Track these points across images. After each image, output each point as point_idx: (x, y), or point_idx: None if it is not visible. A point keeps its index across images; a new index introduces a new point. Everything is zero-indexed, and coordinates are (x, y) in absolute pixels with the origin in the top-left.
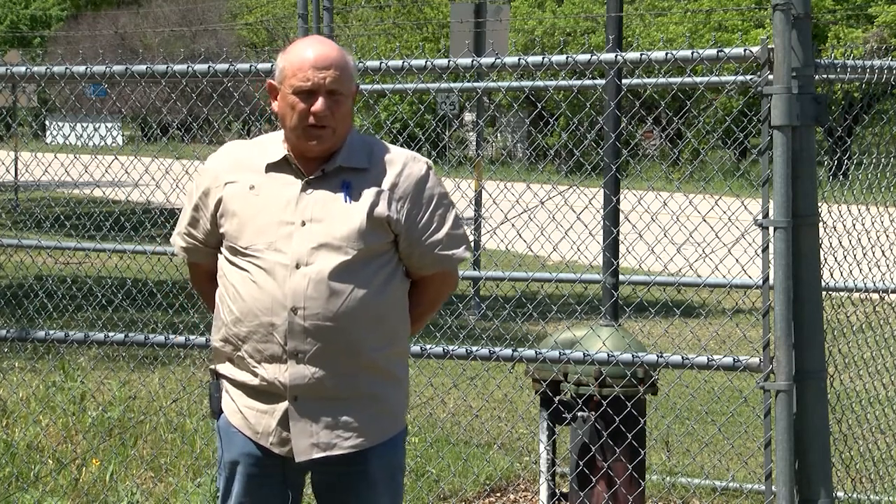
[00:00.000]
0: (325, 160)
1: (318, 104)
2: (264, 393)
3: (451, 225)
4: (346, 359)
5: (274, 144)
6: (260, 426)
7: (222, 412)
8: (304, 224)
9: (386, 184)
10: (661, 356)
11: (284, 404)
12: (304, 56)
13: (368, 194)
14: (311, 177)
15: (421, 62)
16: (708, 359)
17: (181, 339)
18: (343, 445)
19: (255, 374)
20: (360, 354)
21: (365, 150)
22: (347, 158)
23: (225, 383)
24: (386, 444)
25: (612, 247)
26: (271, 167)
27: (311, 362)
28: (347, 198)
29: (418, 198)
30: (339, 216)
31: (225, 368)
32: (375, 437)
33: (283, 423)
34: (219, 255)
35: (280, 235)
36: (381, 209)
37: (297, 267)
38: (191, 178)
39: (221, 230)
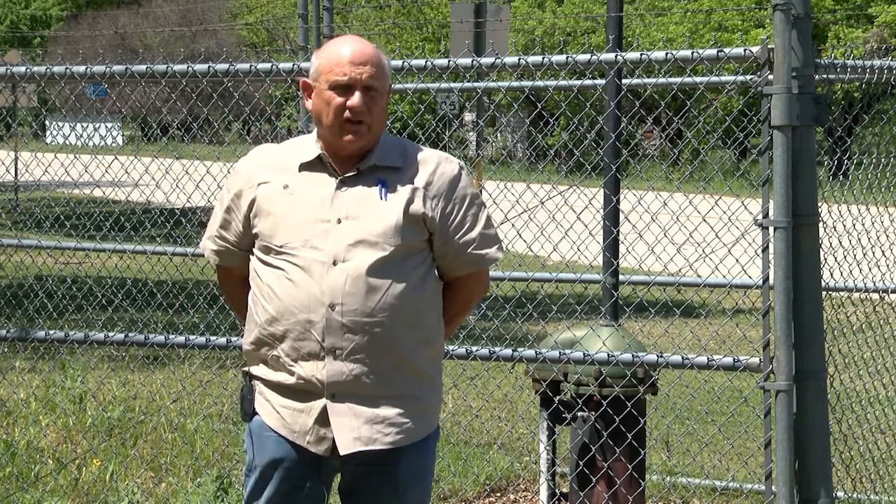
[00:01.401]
0: (359, 159)
1: (355, 98)
2: (300, 391)
3: (483, 224)
4: (383, 355)
5: (307, 144)
6: (297, 425)
7: (255, 414)
8: (339, 222)
9: (420, 182)
10: (661, 356)
11: (321, 402)
12: (341, 52)
13: (404, 192)
14: (345, 175)
15: (421, 62)
16: (708, 359)
17: (181, 339)
18: (384, 441)
19: (292, 373)
20: (397, 351)
21: (398, 149)
22: (381, 157)
23: (259, 385)
24: (418, 444)
25: (612, 247)
26: (305, 166)
27: (348, 359)
28: (383, 195)
29: (452, 196)
30: (375, 213)
31: (259, 370)
32: (412, 436)
33: (321, 420)
34: (251, 257)
35: (316, 233)
36: (417, 206)
37: (335, 263)
38: (228, 177)
39: (255, 230)
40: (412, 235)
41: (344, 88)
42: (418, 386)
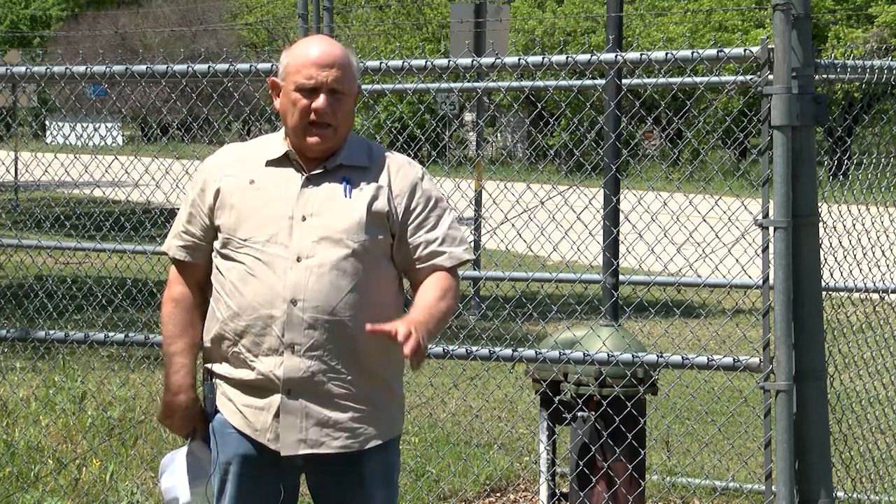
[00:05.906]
0: (325, 158)
1: (320, 101)
2: (260, 388)
3: (447, 226)
4: (341, 354)
5: (274, 142)
6: (258, 423)
7: (217, 412)
8: (304, 219)
9: (385, 181)
10: (661, 356)
11: (278, 398)
12: (308, 53)
13: (368, 190)
14: (312, 172)
15: (421, 62)
16: (708, 359)
17: None
18: (332, 445)
19: (252, 369)
20: (356, 352)
21: (364, 149)
22: (348, 156)
23: (220, 383)
24: (381, 445)
25: (612, 247)
26: (271, 163)
27: (306, 355)
28: (348, 193)
29: (415, 196)
30: (339, 211)
31: (220, 367)
32: (366, 442)
33: (278, 417)
34: (214, 254)
35: (281, 229)
36: (381, 204)
37: (298, 260)
38: (190, 178)
39: (217, 222)
40: (376, 233)
41: (309, 91)
42: (374, 392)
